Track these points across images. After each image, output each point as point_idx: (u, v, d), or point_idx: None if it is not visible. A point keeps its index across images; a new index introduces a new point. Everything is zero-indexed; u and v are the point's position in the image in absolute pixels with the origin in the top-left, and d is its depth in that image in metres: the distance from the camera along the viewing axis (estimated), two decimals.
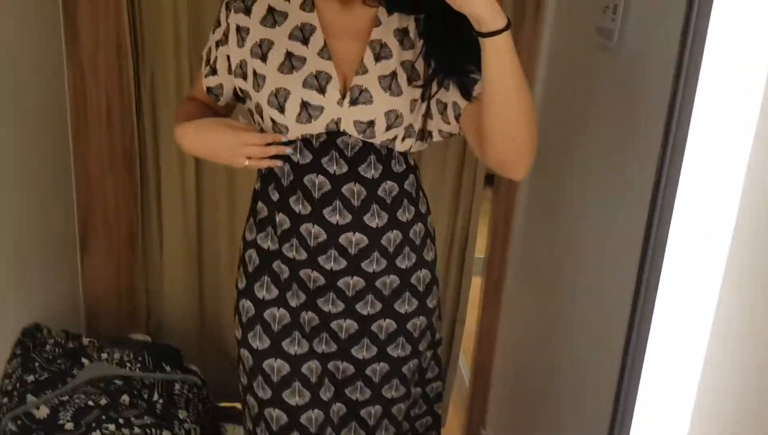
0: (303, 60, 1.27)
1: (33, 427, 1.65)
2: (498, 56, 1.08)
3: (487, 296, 2.30)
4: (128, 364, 1.84)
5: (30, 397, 1.69)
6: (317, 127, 1.27)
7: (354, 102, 1.27)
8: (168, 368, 1.90)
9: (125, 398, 1.76)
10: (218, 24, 1.35)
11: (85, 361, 1.82)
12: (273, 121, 1.28)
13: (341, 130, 1.28)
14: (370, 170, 1.31)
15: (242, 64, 1.31)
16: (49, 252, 2.04)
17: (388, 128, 1.28)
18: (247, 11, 1.31)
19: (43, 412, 1.68)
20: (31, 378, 1.72)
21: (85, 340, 1.91)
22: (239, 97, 1.40)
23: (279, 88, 1.26)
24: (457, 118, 1.30)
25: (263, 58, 1.28)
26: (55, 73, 2.01)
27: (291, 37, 1.28)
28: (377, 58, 1.28)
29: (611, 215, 1.44)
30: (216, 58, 1.37)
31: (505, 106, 1.13)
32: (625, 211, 1.36)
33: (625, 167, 1.38)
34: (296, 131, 1.28)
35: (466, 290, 2.36)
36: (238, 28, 1.31)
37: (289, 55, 1.27)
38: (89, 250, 2.23)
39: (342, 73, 1.28)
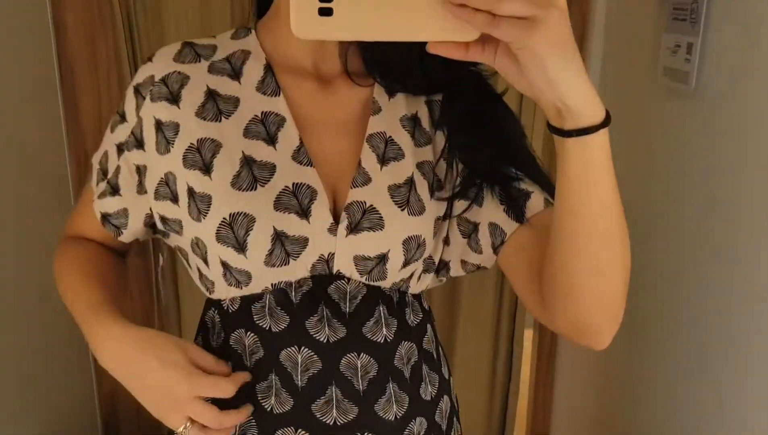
0: (270, 168, 0.83)
1: None
2: (587, 165, 0.68)
3: (540, 356, 2.07)
4: None
5: None
6: (298, 270, 0.84)
7: (355, 228, 0.84)
8: None
9: None
10: (121, 118, 0.89)
11: None
12: (224, 265, 0.83)
13: (335, 272, 0.85)
14: (380, 330, 0.87)
15: (168, 180, 0.85)
16: (59, 349, 1.84)
17: (406, 263, 0.87)
18: (174, 98, 0.85)
19: None
20: None
21: None
22: (157, 229, 0.92)
23: (235, 214, 0.80)
24: (495, 247, 0.89)
25: (205, 168, 0.82)
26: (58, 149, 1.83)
27: (248, 133, 0.84)
28: (383, 160, 0.87)
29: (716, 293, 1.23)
30: (118, 169, 0.90)
31: (590, 242, 0.72)
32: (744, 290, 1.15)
33: (727, 244, 1.17)
34: (265, 279, 0.84)
35: (519, 359, 2.14)
36: (160, 124, 0.84)
37: (247, 161, 0.83)
38: None
39: (331, 184, 0.85)
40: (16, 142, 1.63)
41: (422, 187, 0.88)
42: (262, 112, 0.86)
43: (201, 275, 0.88)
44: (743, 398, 1.12)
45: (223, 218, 0.81)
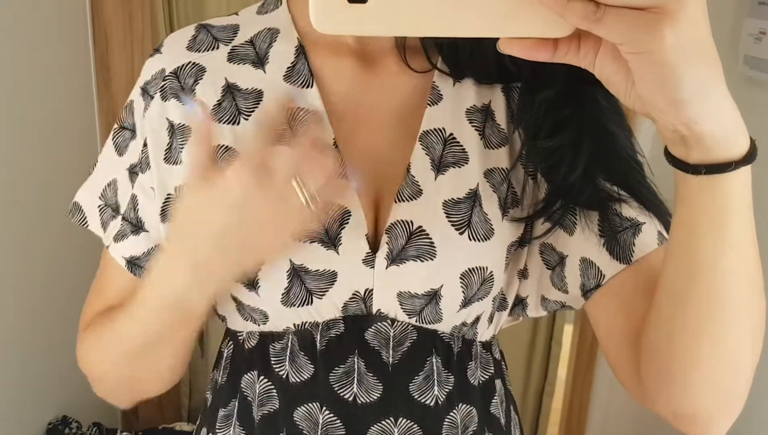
0: None
1: None
2: (718, 213, 0.51)
3: (580, 354, 1.98)
4: None
5: None
6: (325, 310, 0.67)
7: (397, 257, 0.65)
8: None
9: None
10: (130, 133, 0.71)
11: None
12: (237, 302, 0.68)
13: (373, 311, 0.67)
14: (430, 389, 0.68)
15: (175, 196, 0.68)
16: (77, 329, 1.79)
17: (467, 303, 0.68)
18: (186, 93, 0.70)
19: None
20: None
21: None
22: None
23: None
24: (587, 291, 0.68)
25: None
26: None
27: None
28: (439, 166, 0.67)
29: None
30: (134, 199, 0.70)
31: (714, 315, 0.55)
32: None
33: None
34: (285, 319, 0.67)
35: (556, 357, 2.05)
36: (173, 128, 0.69)
37: None
38: None
39: (372, 198, 0.67)
40: (47, 109, 1.57)
41: (491, 202, 0.67)
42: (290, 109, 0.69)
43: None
44: None
45: None
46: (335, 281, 0.65)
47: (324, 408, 0.66)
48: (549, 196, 0.67)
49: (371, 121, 0.68)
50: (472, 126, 0.69)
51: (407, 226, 0.65)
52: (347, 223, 0.64)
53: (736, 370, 0.58)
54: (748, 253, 0.53)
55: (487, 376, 0.73)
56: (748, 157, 0.49)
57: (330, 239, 0.64)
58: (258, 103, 0.68)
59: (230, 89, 0.69)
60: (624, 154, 0.67)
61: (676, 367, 0.58)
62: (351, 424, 0.66)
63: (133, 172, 0.70)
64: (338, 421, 0.66)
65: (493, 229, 0.67)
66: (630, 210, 0.66)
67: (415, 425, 0.67)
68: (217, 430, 0.72)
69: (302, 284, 0.64)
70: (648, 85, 0.44)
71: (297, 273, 0.64)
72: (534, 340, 2.06)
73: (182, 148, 0.67)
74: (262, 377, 0.69)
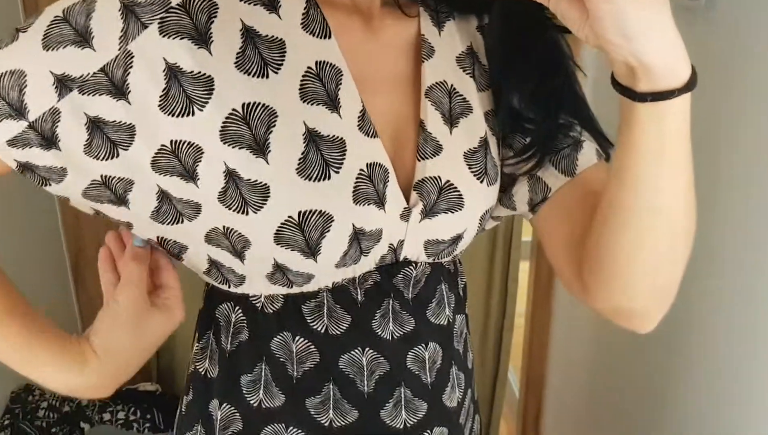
0: (340, 145, 0.63)
1: None
2: (661, 136, 0.57)
3: (537, 289, 2.01)
4: (135, 425, 1.62)
5: None
6: (365, 265, 0.69)
7: (430, 212, 0.69)
8: None
9: None
10: (72, 31, 0.58)
11: (84, 425, 1.61)
12: (280, 267, 0.66)
13: (400, 259, 0.71)
14: (442, 311, 0.75)
15: (179, 150, 0.61)
16: (36, 285, 1.78)
17: (474, 236, 0.76)
18: (202, 37, 0.59)
19: None
20: None
21: (84, 400, 1.66)
22: (108, 198, 0.65)
23: (308, 212, 0.62)
24: (534, 205, 0.75)
25: (258, 146, 0.61)
26: None
27: (306, 95, 0.63)
28: (451, 119, 0.70)
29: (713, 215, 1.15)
30: (56, 114, 0.59)
31: (653, 226, 0.62)
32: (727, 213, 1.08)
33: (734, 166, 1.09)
34: (327, 279, 0.69)
35: (513, 296, 2.08)
36: (177, 73, 0.59)
37: (313, 137, 0.62)
38: (84, 284, 1.98)
39: (392, 157, 0.67)
40: None
41: (494, 145, 0.72)
42: (316, 63, 0.63)
43: (218, 267, 0.69)
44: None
45: (289, 217, 0.62)
46: (380, 238, 0.67)
47: (367, 349, 0.71)
48: (534, 139, 0.73)
49: (378, 79, 0.68)
50: (466, 73, 0.73)
51: (436, 181, 0.69)
52: (389, 181, 0.66)
53: (670, 271, 0.66)
54: (685, 168, 0.59)
55: (463, 283, 0.81)
56: (689, 85, 0.54)
57: (380, 198, 0.66)
58: (283, 56, 0.62)
59: (250, 35, 0.61)
60: (581, 94, 0.73)
61: (616, 269, 0.66)
62: (393, 358, 0.72)
63: (65, 83, 0.58)
64: (381, 357, 0.71)
65: (498, 171, 0.73)
66: (572, 132, 0.73)
67: (437, 345, 0.74)
68: (245, 396, 0.72)
69: (358, 245, 0.66)
70: (601, 22, 0.49)
71: (356, 236, 0.65)
72: (491, 279, 2.09)
73: (190, 98, 0.59)
74: (298, 337, 0.70)
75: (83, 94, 0.58)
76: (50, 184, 0.64)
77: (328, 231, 0.63)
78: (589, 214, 0.69)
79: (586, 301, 0.73)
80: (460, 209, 0.70)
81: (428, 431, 0.74)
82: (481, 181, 0.71)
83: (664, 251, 0.64)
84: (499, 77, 0.73)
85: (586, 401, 1.79)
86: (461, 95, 0.71)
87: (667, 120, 0.55)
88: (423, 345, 0.73)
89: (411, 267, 0.71)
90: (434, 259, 0.73)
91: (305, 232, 0.62)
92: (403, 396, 0.72)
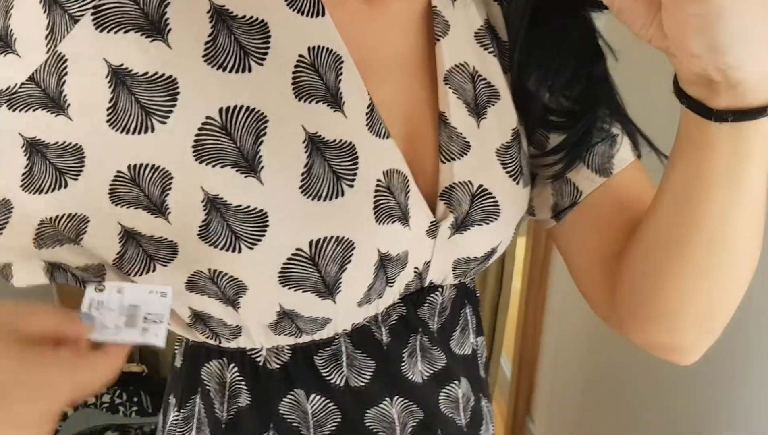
0: (349, 151, 0.50)
1: None
2: (738, 161, 0.46)
3: (533, 268, 1.97)
4: (121, 408, 1.54)
5: None
6: (389, 298, 0.58)
7: (462, 225, 0.57)
8: None
9: None
10: None
11: (67, 409, 1.49)
12: (287, 314, 0.53)
13: (425, 284, 0.60)
14: (467, 339, 0.65)
15: (141, 175, 0.47)
16: None
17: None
18: (155, 27, 0.45)
19: None
20: None
21: None
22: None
23: (320, 242, 0.49)
24: (560, 211, 0.62)
25: (247, 163, 0.48)
26: None
27: (301, 91, 0.49)
28: (477, 109, 0.57)
29: None
30: None
31: (712, 263, 0.51)
32: None
33: None
34: (346, 322, 0.57)
35: (510, 273, 2.03)
36: (122, 76, 0.45)
37: (315, 144, 0.49)
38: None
39: (410, 161, 0.55)
40: None
41: (524, 138, 0.60)
42: (309, 49, 0.49)
43: (204, 320, 0.55)
44: None
45: (298, 250, 0.49)
46: (407, 263, 0.55)
47: (397, 398, 0.59)
48: (568, 137, 0.60)
49: (386, 64, 0.55)
50: (488, 51, 0.58)
51: (467, 187, 0.56)
52: (410, 191, 0.53)
53: (724, 312, 0.55)
54: (760, 200, 0.48)
55: (477, 296, 0.70)
56: None
57: (403, 213, 0.52)
58: (267, 42, 0.47)
59: (221, 17, 0.46)
60: (612, 81, 0.61)
61: (661, 308, 0.55)
62: (426, 404, 0.60)
63: None
64: (413, 405, 0.60)
65: (529, 169, 0.61)
66: (606, 125, 0.60)
67: (467, 380, 0.64)
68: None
69: (385, 275, 0.53)
70: (682, 26, 0.39)
71: (382, 263, 0.52)
72: None
73: (147, 109, 0.45)
74: (313, 394, 0.57)
75: (14, 111, 0.44)
76: None
77: (349, 262, 0.50)
78: (624, 227, 0.58)
79: (616, 329, 0.62)
80: (496, 219, 0.57)
81: None
82: (517, 183, 0.58)
83: (723, 292, 0.53)
84: (527, 63, 0.59)
85: (580, 384, 1.77)
86: (485, 79, 0.58)
87: (747, 143, 0.45)
88: (456, 382, 0.62)
89: (437, 293, 0.60)
90: (460, 280, 0.62)
91: (320, 266, 0.49)
92: None
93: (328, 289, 0.51)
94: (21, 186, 0.46)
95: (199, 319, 0.55)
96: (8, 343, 0.40)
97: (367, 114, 0.51)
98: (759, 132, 0.44)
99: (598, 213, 0.61)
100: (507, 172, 0.58)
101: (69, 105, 0.44)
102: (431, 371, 0.60)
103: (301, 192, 0.48)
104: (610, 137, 0.60)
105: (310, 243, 0.49)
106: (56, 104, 0.44)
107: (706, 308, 0.54)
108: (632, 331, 0.60)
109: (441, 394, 0.61)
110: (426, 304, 0.60)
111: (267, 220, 0.48)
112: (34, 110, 0.44)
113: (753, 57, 0.40)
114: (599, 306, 0.63)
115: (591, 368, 1.71)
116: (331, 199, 0.49)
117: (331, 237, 0.49)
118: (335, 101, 0.50)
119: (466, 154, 0.56)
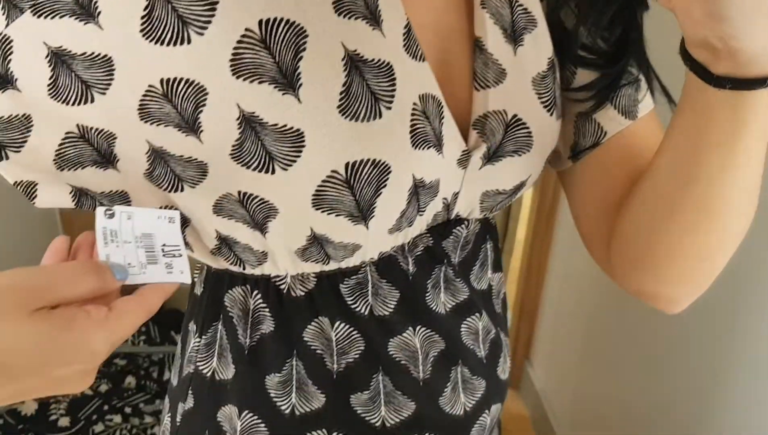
0: (387, 72, 0.48)
1: (19, 426, 1.35)
2: (736, 128, 0.46)
3: (539, 213, 1.97)
4: (130, 338, 1.52)
5: None
6: (417, 228, 0.56)
7: (494, 156, 0.55)
8: (178, 338, 1.58)
9: (130, 380, 1.47)
10: None
11: None
12: (318, 239, 0.52)
13: (452, 217, 0.59)
14: (484, 274, 0.64)
15: (188, 91, 0.45)
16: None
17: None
18: (82, 6, 0.43)
19: (30, 407, 1.40)
20: None
21: None
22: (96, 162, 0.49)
23: (356, 164, 0.48)
24: (579, 151, 0.61)
25: (286, 79, 0.45)
26: None
27: (342, 4, 0.47)
28: (514, 36, 0.55)
29: None
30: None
31: (705, 222, 0.52)
32: None
33: None
34: (374, 249, 0.55)
35: (515, 217, 2.03)
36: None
37: (355, 63, 0.47)
38: None
39: (443, 86, 0.52)
40: None
41: (557, 69, 0.58)
42: None
43: (230, 245, 0.54)
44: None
45: (333, 172, 0.47)
46: (438, 191, 0.53)
47: (420, 328, 0.58)
48: (603, 76, 0.59)
49: None
50: None
51: (501, 116, 0.54)
52: (444, 117, 0.51)
53: (711, 268, 0.56)
54: (754, 167, 0.48)
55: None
56: None
57: (438, 140, 0.50)
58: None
59: None
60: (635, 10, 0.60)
61: (650, 259, 0.56)
62: (448, 335, 0.60)
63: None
64: (435, 335, 0.59)
65: (560, 101, 0.58)
66: (633, 67, 0.59)
67: (486, 313, 0.63)
68: (274, 401, 0.58)
69: (417, 202, 0.52)
70: None
71: (416, 190, 0.51)
72: None
73: (176, 16, 0.43)
74: (338, 322, 0.57)
75: (38, 16, 0.43)
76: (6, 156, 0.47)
77: (384, 186, 0.48)
78: (631, 176, 0.58)
79: (610, 275, 0.63)
80: (528, 151, 0.56)
81: (487, 411, 0.64)
82: (551, 114, 0.56)
83: (710, 249, 0.54)
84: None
85: (581, 332, 1.78)
86: (522, 5, 0.55)
87: (745, 112, 0.45)
88: (477, 314, 0.62)
89: (462, 226, 0.59)
90: (485, 214, 0.61)
91: (355, 190, 0.48)
92: (460, 377, 0.61)
93: (362, 213, 0.50)
94: (48, 95, 0.45)
95: (225, 244, 0.54)
96: (34, 321, 0.39)
97: (404, 34, 0.49)
98: (758, 102, 0.44)
99: (612, 157, 0.60)
100: (542, 103, 0.56)
101: (100, 12, 0.42)
102: (454, 303, 0.60)
103: (339, 112, 0.46)
104: (636, 81, 0.59)
105: (347, 165, 0.47)
106: (86, 11, 0.42)
107: (693, 264, 0.55)
108: (623, 279, 0.61)
109: (462, 325, 0.61)
110: (451, 237, 0.59)
111: (303, 140, 0.45)
112: (60, 17, 0.42)
113: (754, 28, 0.40)
114: (597, 252, 0.63)
115: (592, 318, 1.72)
116: (368, 120, 0.47)
117: (368, 160, 0.47)
118: (374, 18, 0.47)
119: (501, 82, 0.54)
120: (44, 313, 0.40)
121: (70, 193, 0.49)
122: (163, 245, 0.46)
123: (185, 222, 0.52)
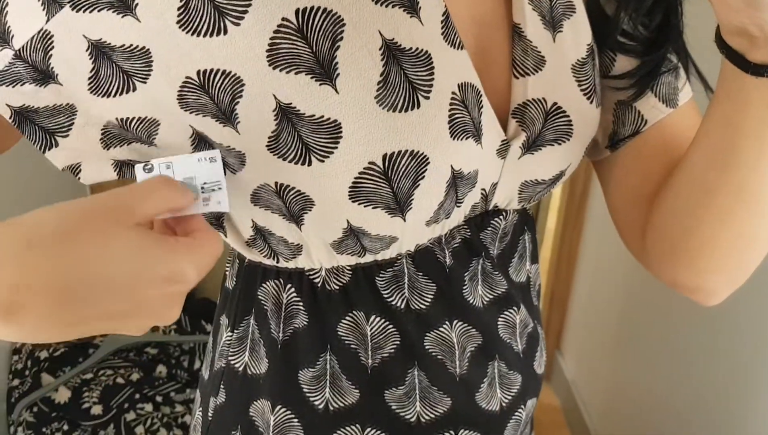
0: (426, 61, 0.47)
1: (53, 414, 1.36)
2: None
3: (570, 202, 1.95)
4: (161, 327, 1.53)
5: (46, 377, 1.40)
6: (455, 219, 0.55)
7: (533, 145, 0.54)
8: (209, 327, 1.59)
9: (161, 370, 1.48)
10: None
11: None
12: (354, 232, 0.51)
13: (489, 208, 0.57)
14: (523, 266, 0.63)
15: (225, 82, 0.44)
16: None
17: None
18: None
19: (63, 395, 1.41)
20: (44, 354, 1.44)
21: None
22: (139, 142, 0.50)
23: (393, 155, 0.47)
24: (618, 141, 0.60)
25: (324, 69, 0.44)
26: None
27: None
28: (554, 22, 0.54)
29: None
30: None
31: (741, 210, 0.52)
32: None
33: None
34: (411, 241, 0.55)
35: (545, 206, 2.01)
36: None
37: (392, 51, 0.46)
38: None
39: (481, 74, 0.51)
40: None
41: (597, 56, 0.57)
42: None
43: (265, 237, 0.54)
44: None
45: (371, 163, 0.46)
46: (476, 182, 0.52)
47: (456, 322, 0.57)
48: (644, 64, 0.58)
49: None
50: None
51: (541, 105, 0.53)
52: (483, 106, 0.50)
53: (747, 259, 0.55)
54: None
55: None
56: None
57: (477, 130, 0.49)
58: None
59: None
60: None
61: (687, 250, 0.56)
62: (485, 329, 0.59)
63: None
64: (472, 329, 0.58)
65: (600, 88, 0.57)
66: (672, 55, 0.58)
67: (524, 306, 0.62)
68: (307, 396, 0.57)
69: (455, 193, 0.51)
70: None
71: (455, 181, 0.50)
72: None
73: (213, 6, 0.43)
74: (373, 316, 0.56)
75: (77, 11, 0.43)
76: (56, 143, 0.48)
77: (422, 178, 0.48)
78: (667, 166, 0.58)
79: (645, 266, 0.62)
80: (568, 140, 0.55)
81: (522, 406, 0.63)
82: (591, 102, 0.55)
83: (746, 239, 0.53)
84: None
85: (612, 324, 1.76)
86: None
87: None
88: (515, 308, 0.61)
89: (500, 217, 0.58)
90: (523, 205, 0.60)
91: (392, 181, 0.47)
92: (497, 372, 0.60)
93: (399, 205, 0.49)
94: (88, 90, 0.45)
95: (260, 235, 0.53)
96: (129, 233, 0.38)
97: (442, 22, 0.47)
98: None
99: (650, 146, 0.59)
100: (582, 90, 0.54)
101: (137, 5, 0.42)
102: (491, 296, 0.59)
103: (377, 102, 0.45)
104: (675, 68, 0.58)
105: (384, 156, 0.46)
106: (123, 4, 0.42)
107: (730, 255, 0.55)
108: (659, 270, 0.61)
109: (500, 319, 0.60)
110: (489, 229, 0.57)
111: (340, 132, 0.45)
112: (99, 11, 0.42)
113: None
114: (632, 242, 0.63)
115: (624, 309, 1.69)
116: (406, 110, 0.46)
117: (406, 151, 0.46)
118: (412, 6, 0.46)
119: (540, 70, 0.53)
120: (136, 233, 0.39)
121: (113, 165, 0.50)
122: (204, 183, 0.45)
123: (222, 215, 0.53)
